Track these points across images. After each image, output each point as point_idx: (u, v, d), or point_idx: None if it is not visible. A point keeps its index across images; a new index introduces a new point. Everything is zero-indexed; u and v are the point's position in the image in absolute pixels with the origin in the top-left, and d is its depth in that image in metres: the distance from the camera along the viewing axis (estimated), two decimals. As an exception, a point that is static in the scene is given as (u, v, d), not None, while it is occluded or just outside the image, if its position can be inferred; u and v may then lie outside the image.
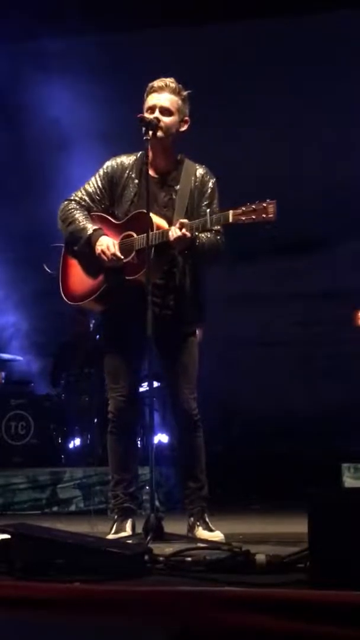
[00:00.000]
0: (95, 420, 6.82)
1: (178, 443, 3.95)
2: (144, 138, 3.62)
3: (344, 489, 4.61)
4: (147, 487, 4.99)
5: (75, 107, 7.84)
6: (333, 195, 7.69)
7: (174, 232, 3.54)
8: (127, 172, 3.80)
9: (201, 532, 3.63)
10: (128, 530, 3.62)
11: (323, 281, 8.35)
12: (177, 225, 3.55)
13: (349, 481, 5.52)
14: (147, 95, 3.75)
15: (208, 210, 3.59)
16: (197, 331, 3.92)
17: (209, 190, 3.79)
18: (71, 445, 6.95)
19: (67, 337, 7.87)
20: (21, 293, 8.87)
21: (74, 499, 5.98)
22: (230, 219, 3.49)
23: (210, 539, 3.53)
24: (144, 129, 3.61)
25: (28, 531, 2.64)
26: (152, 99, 3.73)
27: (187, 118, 3.78)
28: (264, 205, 3.44)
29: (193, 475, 3.78)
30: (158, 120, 3.67)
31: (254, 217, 3.44)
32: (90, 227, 3.74)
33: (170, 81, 3.75)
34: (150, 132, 3.62)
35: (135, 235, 3.65)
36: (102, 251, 3.67)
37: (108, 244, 3.68)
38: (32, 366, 8.24)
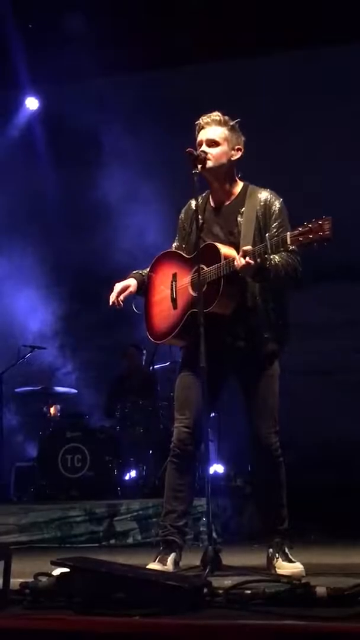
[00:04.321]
0: (150, 451, 6.84)
1: (257, 479, 3.90)
2: (192, 172, 3.66)
3: None
4: (204, 519, 4.97)
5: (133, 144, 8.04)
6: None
7: (239, 261, 3.52)
8: (194, 211, 3.84)
9: (281, 564, 3.58)
10: (169, 565, 3.56)
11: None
12: (241, 253, 3.54)
13: None
14: (197, 134, 3.83)
15: (267, 234, 3.57)
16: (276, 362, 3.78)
17: (277, 212, 3.73)
18: (127, 477, 6.96)
19: (121, 369, 7.93)
20: (75, 326, 9.00)
21: (131, 531, 5.97)
22: (288, 241, 3.43)
23: (290, 570, 3.49)
24: (192, 163, 3.66)
25: (87, 565, 2.65)
26: (199, 136, 3.81)
27: (239, 146, 3.80)
28: (319, 222, 3.36)
29: (273, 512, 3.73)
30: (205, 153, 3.72)
31: (310, 236, 3.36)
32: (142, 269, 3.98)
33: (214, 115, 3.81)
34: (199, 166, 3.67)
35: (205, 267, 3.65)
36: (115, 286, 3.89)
37: (117, 284, 3.89)
38: (86, 399, 8.31)
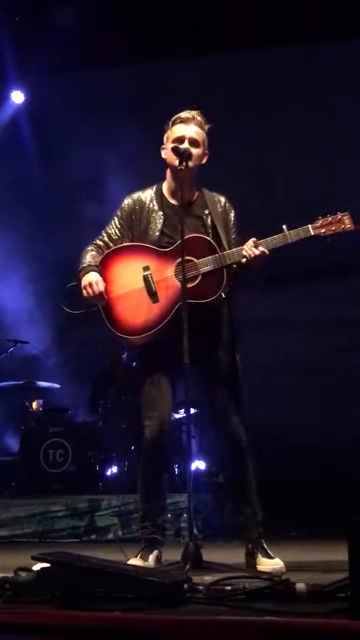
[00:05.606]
0: (133, 447, 6.82)
1: (227, 470, 3.93)
2: (179, 168, 3.66)
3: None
4: (186, 515, 4.98)
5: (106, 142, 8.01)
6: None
7: (251, 251, 3.58)
8: (147, 206, 3.85)
9: (261, 560, 3.60)
10: (150, 562, 3.59)
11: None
12: (251, 243, 3.59)
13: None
14: (173, 126, 3.80)
15: (284, 225, 3.63)
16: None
17: (233, 218, 3.87)
18: (109, 473, 6.96)
19: (104, 364, 7.92)
20: (58, 320, 8.96)
21: (112, 526, 5.97)
22: (312, 232, 3.61)
23: (271, 566, 3.51)
24: (177, 159, 3.66)
25: (68, 560, 2.65)
26: (180, 130, 3.77)
27: (207, 150, 3.85)
28: (340, 217, 3.62)
29: (245, 500, 3.74)
30: (190, 150, 3.72)
31: (334, 228, 3.60)
32: (87, 262, 3.80)
33: (196, 113, 3.82)
34: (184, 163, 3.66)
35: (195, 259, 3.64)
36: (90, 284, 3.71)
37: (97, 280, 3.72)
38: (70, 393, 8.29)
